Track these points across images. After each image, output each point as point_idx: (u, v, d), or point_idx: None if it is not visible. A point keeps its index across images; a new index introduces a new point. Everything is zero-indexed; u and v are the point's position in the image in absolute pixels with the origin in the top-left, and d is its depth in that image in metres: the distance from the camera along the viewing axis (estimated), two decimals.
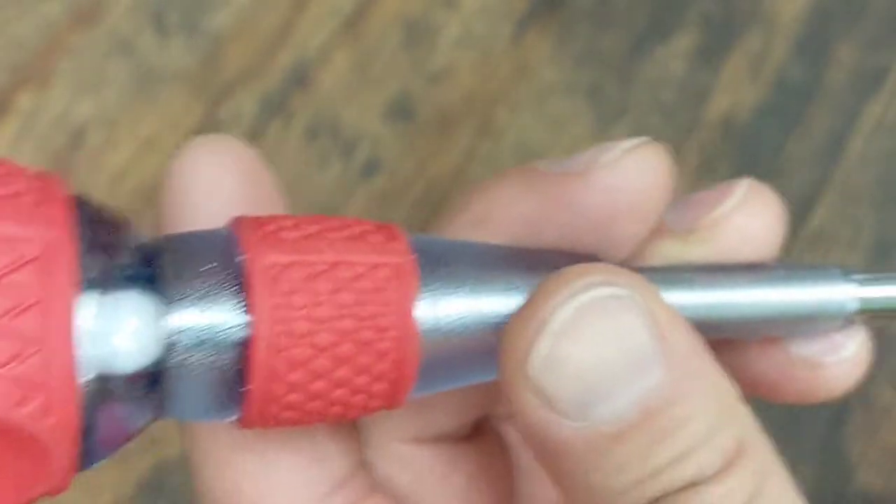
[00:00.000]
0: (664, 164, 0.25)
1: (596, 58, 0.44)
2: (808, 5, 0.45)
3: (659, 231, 0.25)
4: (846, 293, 0.24)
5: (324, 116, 0.42)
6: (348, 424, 0.25)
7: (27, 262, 0.19)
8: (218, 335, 0.20)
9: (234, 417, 0.22)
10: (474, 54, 0.44)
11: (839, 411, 0.41)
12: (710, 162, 0.43)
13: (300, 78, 0.43)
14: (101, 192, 0.41)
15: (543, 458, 0.22)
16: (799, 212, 0.43)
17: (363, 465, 0.26)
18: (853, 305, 0.25)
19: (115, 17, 0.42)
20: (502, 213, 0.24)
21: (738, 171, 0.43)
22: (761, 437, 0.22)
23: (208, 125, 0.42)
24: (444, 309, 0.22)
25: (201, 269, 0.21)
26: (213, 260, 0.21)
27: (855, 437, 0.41)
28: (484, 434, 0.27)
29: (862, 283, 0.25)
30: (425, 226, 0.43)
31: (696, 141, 0.43)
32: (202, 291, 0.20)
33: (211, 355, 0.20)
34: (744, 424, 0.22)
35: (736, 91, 0.44)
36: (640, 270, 0.23)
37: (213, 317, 0.20)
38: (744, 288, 0.24)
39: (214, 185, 0.24)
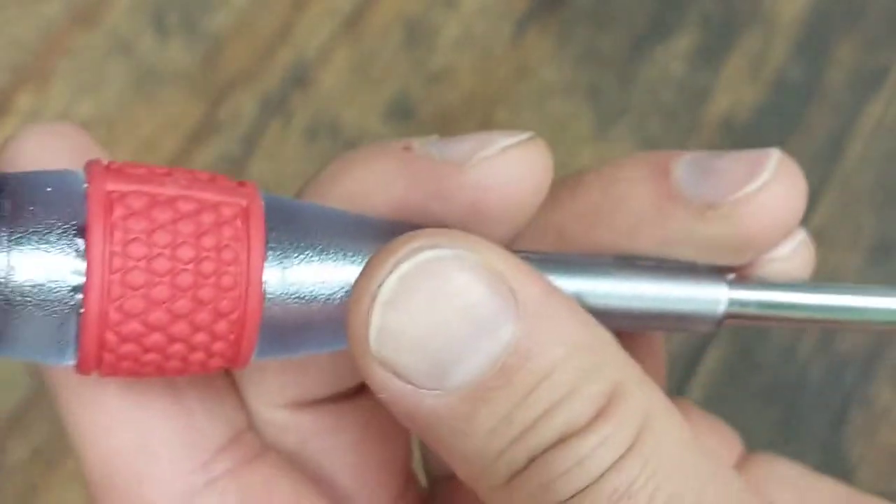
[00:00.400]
0: (541, 165, 0.24)
1: (596, 58, 0.44)
2: (808, 5, 0.45)
3: (671, 198, 0.24)
4: (717, 294, 0.24)
5: (324, 116, 0.42)
6: (227, 389, 0.25)
7: None
8: (53, 280, 0.20)
9: (71, 362, 0.21)
10: (474, 54, 0.44)
11: (839, 411, 0.41)
12: None
13: (300, 78, 0.43)
14: None
15: (414, 430, 0.21)
16: None
17: (250, 428, 0.25)
18: (722, 307, 0.24)
19: (114, 17, 0.42)
20: (375, 194, 0.24)
21: None
22: (640, 379, 0.22)
23: (208, 125, 0.42)
24: (292, 272, 0.21)
25: (45, 205, 0.20)
26: (57, 195, 0.21)
27: (855, 437, 0.41)
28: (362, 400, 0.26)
29: (732, 285, 0.24)
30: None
31: (696, 141, 0.43)
32: (42, 228, 0.20)
33: (45, 298, 0.20)
34: (617, 367, 0.21)
35: (736, 91, 0.44)
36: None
37: (49, 259, 0.20)
38: (617, 280, 0.24)
39: (46, 165, 0.23)
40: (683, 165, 0.24)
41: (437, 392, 0.20)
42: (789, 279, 0.25)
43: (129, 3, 0.42)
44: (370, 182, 0.24)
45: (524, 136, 0.23)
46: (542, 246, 0.25)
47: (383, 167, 0.24)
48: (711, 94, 0.44)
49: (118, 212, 0.20)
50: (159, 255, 0.20)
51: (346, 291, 0.22)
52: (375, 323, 0.20)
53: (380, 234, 0.22)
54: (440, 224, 0.23)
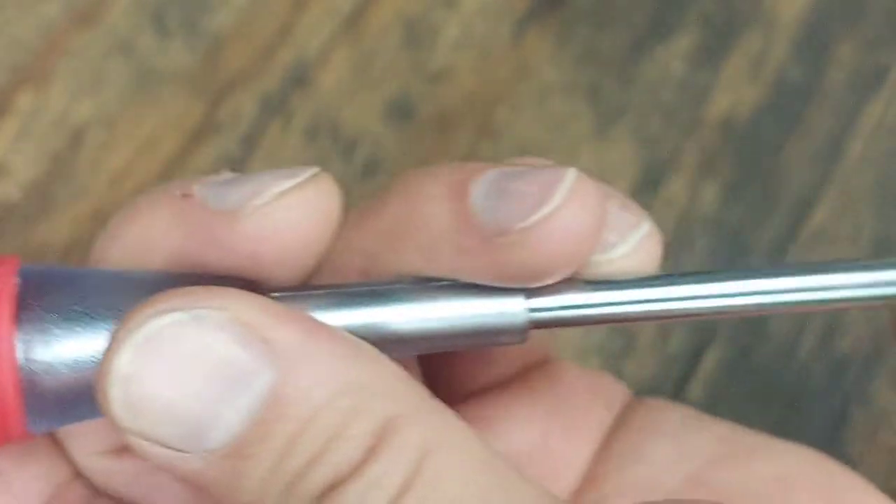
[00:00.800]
0: (323, 205, 0.23)
1: (596, 58, 0.44)
2: (808, 5, 0.45)
3: (466, 222, 0.23)
4: (516, 306, 0.24)
5: (324, 116, 0.42)
6: (45, 445, 0.25)
7: None
8: None
9: None
10: (474, 54, 0.44)
11: (839, 411, 0.41)
12: (710, 162, 0.43)
13: (300, 78, 0.43)
14: (101, 193, 0.41)
15: (191, 490, 0.21)
16: (799, 212, 0.43)
17: (76, 477, 0.25)
18: (523, 317, 0.24)
19: (114, 17, 0.42)
20: (155, 247, 0.23)
21: (738, 171, 0.43)
22: (419, 408, 0.21)
23: (208, 125, 0.42)
24: (55, 343, 0.21)
25: None
26: None
27: (855, 437, 0.41)
28: None
29: (529, 294, 0.24)
30: None
31: (696, 141, 0.43)
32: None
33: None
34: (390, 401, 0.21)
35: (736, 91, 0.44)
36: (287, 295, 0.22)
37: None
38: (410, 303, 0.23)
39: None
40: (480, 186, 0.23)
41: (201, 455, 0.20)
42: (609, 276, 0.24)
43: (129, 2, 0.42)
44: (149, 235, 0.23)
45: (302, 176, 0.23)
46: (349, 271, 0.24)
47: (161, 218, 0.23)
48: (711, 93, 0.44)
49: None
50: None
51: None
52: (119, 398, 0.20)
53: (154, 291, 0.21)
54: (224, 273, 0.23)
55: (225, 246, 0.23)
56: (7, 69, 0.41)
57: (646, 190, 0.43)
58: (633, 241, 0.25)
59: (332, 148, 0.42)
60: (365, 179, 0.42)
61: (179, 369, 0.20)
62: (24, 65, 0.41)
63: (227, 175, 0.24)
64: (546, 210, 0.23)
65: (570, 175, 0.23)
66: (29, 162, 0.41)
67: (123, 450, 0.25)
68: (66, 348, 0.21)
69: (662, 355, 0.41)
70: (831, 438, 0.41)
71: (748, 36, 0.45)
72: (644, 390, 0.40)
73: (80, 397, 0.22)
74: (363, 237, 0.24)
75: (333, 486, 0.20)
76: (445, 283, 0.24)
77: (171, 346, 0.20)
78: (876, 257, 0.43)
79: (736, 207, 0.43)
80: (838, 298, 0.26)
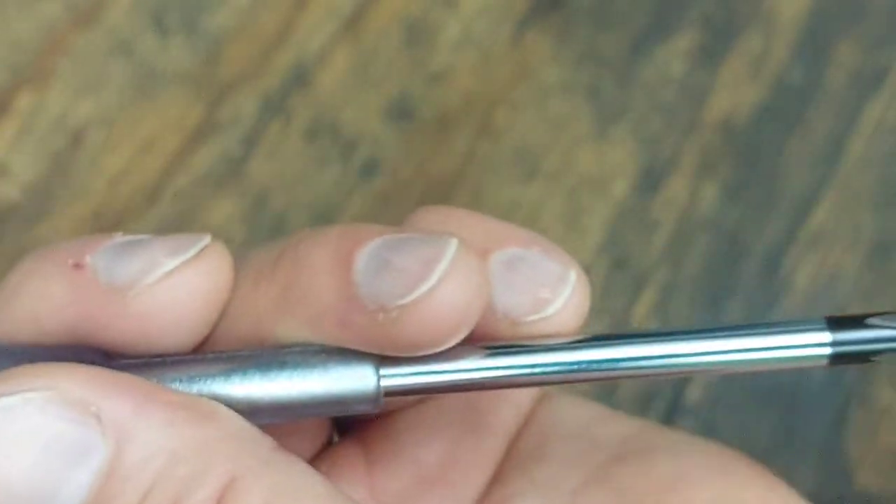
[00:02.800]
0: (212, 280, 0.24)
1: (596, 58, 0.44)
2: (808, 5, 0.45)
3: (350, 296, 0.24)
4: (367, 377, 0.24)
5: (324, 116, 0.42)
6: None
7: None
8: None
9: None
10: (474, 54, 0.44)
11: (839, 411, 0.41)
12: (710, 162, 0.43)
13: (300, 78, 0.43)
14: (101, 193, 0.41)
15: None
16: (799, 212, 0.43)
17: None
18: (373, 386, 0.24)
19: (115, 17, 0.42)
20: (46, 318, 0.24)
21: (738, 171, 0.43)
22: (265, 464, 0.21)
23: (208, 125, 0.42)
24: None
25: None
26: None
27: (855, 437, 0.41)
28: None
29: (379, 365, 0.24)
30: None
31: (696, 141, 0.43)
32: None
33: None
34: (233, 460, 0.21)
35: (736, 91, 0.44)
36: (141, 363, 0.22)
37: None
38: (261, 372, 0.23)
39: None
40: (364, 258, 0.24)
41: None
42: (545, 333, 0.25)
43: (129, 2, 0.42)
44: (40, 306, 0.24)
45: (192, 251, 0.23)
46: (242, 336, 0.25)
47: (53, 289, 0.24)
48: (711, 94, 0.44)
49: None
50: None
51: None
52: None
53: (15, 363, 0.22)
54: (114, 343, 0.23)
55: (114, 322, 0.23)
56: (7, 69, 0.41)
57: (646, 190, 0.43)
58: (565, 295, 0.25)
59: (332, 148, 0.42)
60: (365, 179, 0.42)
61: (14, 449, 0.20)
62: (24, 65, 0.41)
63: (119, 239, 0.24)
64: (425, 288, 0.23)
65: (451, 248, 0.23)
66: (29, 162, 0.41)
67: None
68: None
69: None
70: (831, 438, 0.41)
71: (748, 36, 0.45)
72: (642, 394, 0.40)
73: None
74: (254, 303, 0.25)
75: None
76: (302, 349, 0.24)
77: (2, 429, 0.21)
78: (876, 257, 0.43)
79: (736, 207, 0.43)
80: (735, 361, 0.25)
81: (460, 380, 0.24)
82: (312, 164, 0.42)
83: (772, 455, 0.39)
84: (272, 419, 0.24)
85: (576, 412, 0.29)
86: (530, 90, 0.43)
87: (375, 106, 0.43)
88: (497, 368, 0.24)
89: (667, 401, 0.40)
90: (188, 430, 0.21)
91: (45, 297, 0.24)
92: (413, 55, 0.43)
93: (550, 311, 0.25)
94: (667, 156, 0.43)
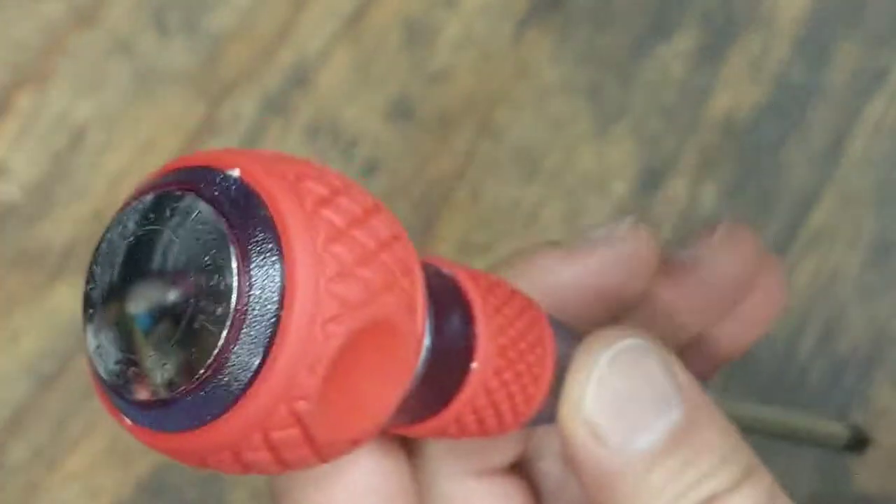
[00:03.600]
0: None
1: (596, 58, 0.44)
2: (808, 5, 0.45)
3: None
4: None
5: (324, 116, 0.42)
6: (400, 468, 0.28)
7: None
8: (453, 352, 0.23)
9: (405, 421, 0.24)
10: (474, 54, 0.44)
11: (839, 411, 0.41)
12: (710, 162, 0.43)
13: (300, 78, 0.43)
14: (101, 193, 0.41)
15: (589, 486, 0.25)
16: (799, 212, 0.43)
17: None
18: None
19: (115, 17, 0.42)
20: (543, 282, 0.29)
21: (738, 171, 0.43)
22: (764, 468, 0.26)
23: (208, 125, 0.42)
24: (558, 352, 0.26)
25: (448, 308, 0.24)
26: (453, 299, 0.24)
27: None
28: (517, 474, 0.30)
29: None
30: (426, 226, 0.43)
31: (696, 141, 0.43)
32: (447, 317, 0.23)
33: (443, 367, 0.23)
34: (748, 455, 0.26)
35: (736, 91, 0.44)
36: None
37: (451, 338, 0.23)
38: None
39: None
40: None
41: (623, 453, 0.25)
42: None
43: (129, 2, 0.42)
44: (540, 271, 0.29)
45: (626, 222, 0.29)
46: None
47: (551, 256, 0.29)
48: (711, 93, 0.44)
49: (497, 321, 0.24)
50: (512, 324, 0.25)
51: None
52: (590, 390, 0.25)
53: (564, 333, 0.26)
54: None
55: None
56: (7, 69, 0.41)
57: (646, 190, 0.43)
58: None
59: (332, 148, 0.42)
60: (365, 179, 0.42)
61: (634, 381, 0.25)
62: (24, 65, 0.41)
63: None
64: None
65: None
66: (29, 162, 0.41)
67: (482, 472, 0.29)
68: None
69: None
70: None
71: (748, 36, 0.45)
72: None
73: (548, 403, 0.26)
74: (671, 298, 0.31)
75: (713, 498, 0.25)
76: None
77: (633, 362, 0.25)
78: (876, 257, 0.43)
79: (736, 207, 0.43)
80: None
81: None
82: None
83: (772, 455, 0.39)
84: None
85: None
86: (530, 90, 0.43)
87: (375, 105, 0.43)
88: None
89: None
90: (724, 417, 0.26)
91: (541, 266, 0.29)
92: (413, 55, 0.43)
93: None
94: (667, 156, 0.43)
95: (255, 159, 0.21)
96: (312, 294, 0.19)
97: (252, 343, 0.19)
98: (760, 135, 0.44)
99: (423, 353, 0.22)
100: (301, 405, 0.19)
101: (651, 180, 0.43)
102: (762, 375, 0.41)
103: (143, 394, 0.20)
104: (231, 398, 0.19)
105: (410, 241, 0.22)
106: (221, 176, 0.20)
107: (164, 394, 0.19)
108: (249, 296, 0.19)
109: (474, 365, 0.23)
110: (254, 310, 0.19)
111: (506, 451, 0.29)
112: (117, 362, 0.20)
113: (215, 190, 0.20)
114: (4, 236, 0.40)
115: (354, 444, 0.21)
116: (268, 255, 0.19)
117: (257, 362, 0.19)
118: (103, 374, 0.20)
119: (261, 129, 0.42)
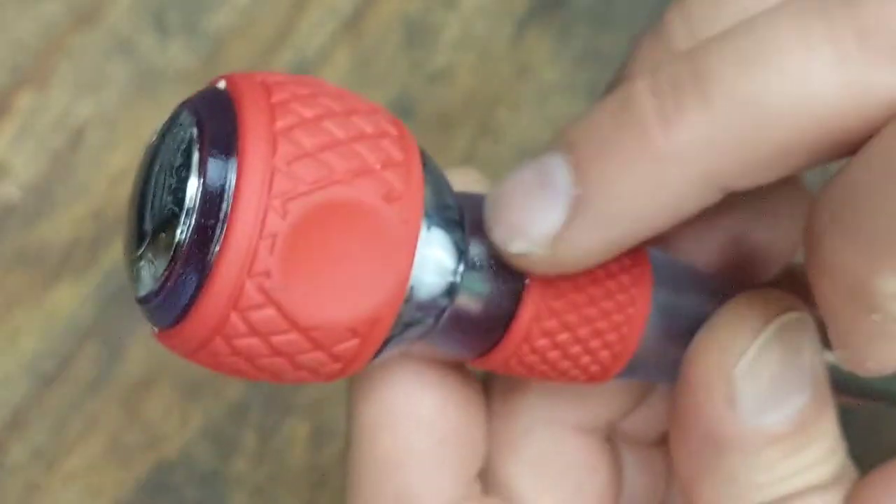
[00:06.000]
0: None
1: (596, 58, 0.44)
2: None
3: None
4: None
5: None
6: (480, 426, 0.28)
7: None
8: (498, 288, 0.24)
9: (474, 355, 0.24)
10: (474, 54, 0.44)
11: (839, 411, 0.41)
12: None
13: None
14: (101, 193, 0.41)
15: (692, 443, 0.25)
16: None
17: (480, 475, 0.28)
18: None
19: (115, 17, 0.42)
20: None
21: None
22: (852, 466, 0.27)
23: None
24: (673, 303, 0.26)
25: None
26: None
27: (855, 437, 0.41)
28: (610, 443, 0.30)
29: None
30: None
31: None
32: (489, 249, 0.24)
33: (483, 302, 0.24)
34: (843, 453, 0.27)
35: None
36: None
37: (496, 274, 0.24)
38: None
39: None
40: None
41: (751, 424, 0.25)
42: None
43: (129, 2, 0.42)
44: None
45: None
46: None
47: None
48: None
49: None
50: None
51: (692, 332, 0.26)
52: (749, 356, 0.25)
53: (714, 287, 0.26)
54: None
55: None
56: (7, 69, 0.41)
57: None
58: None
59: None
60: None
61: (787, 356, 0.25)
62: (24, 65, 0.41)
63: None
64: None
65: None
66: (29, 162, 0.41)
67: (579, 428, 0.28)
68: (674, 312, 0.26)
69: None
70: None
71: None
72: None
73: (650, 355, 0.26)
74: None
75: (811, 489, 0.26)
76: None
77: (792, 337, 0.25)
78: None
79: None
80: None
81: None
82: None
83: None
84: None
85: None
86: (530, 90, 0.43)
87: None
88: None
89: None
90: (834, 419, 0.27)
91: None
92: (413, 55, 0.43)
93: None
94: None
95: (257, 75, 0.22)
96: (261, 174, 0.21)
97: (210, 228, 0.21)
98: None
99: (459, 268, 0.23)
100: (266, 282, 0.20)
101: None
102: None
103: (144, 290, 0.22)
104: (201, 280, 0.21)
105: (415, 143, 0.25)
106: (212, 90, 0.22)
107: (154, 287, 0.21)
108: (206, 185, 0.21)
109: (527, 281, 0.24)
110: (210, 198, 0.21)
111: (602, 410, 0.28)
112: (131, 262, 0.22)
113: (201, 102, 0.22)
114: (4, 236, 0.40)
115: (354, 333, 0.22)
116: (227, 150, 0.21)
117: (217, 247, 0.21)
118: (135, 283, 0.22)
119: None
